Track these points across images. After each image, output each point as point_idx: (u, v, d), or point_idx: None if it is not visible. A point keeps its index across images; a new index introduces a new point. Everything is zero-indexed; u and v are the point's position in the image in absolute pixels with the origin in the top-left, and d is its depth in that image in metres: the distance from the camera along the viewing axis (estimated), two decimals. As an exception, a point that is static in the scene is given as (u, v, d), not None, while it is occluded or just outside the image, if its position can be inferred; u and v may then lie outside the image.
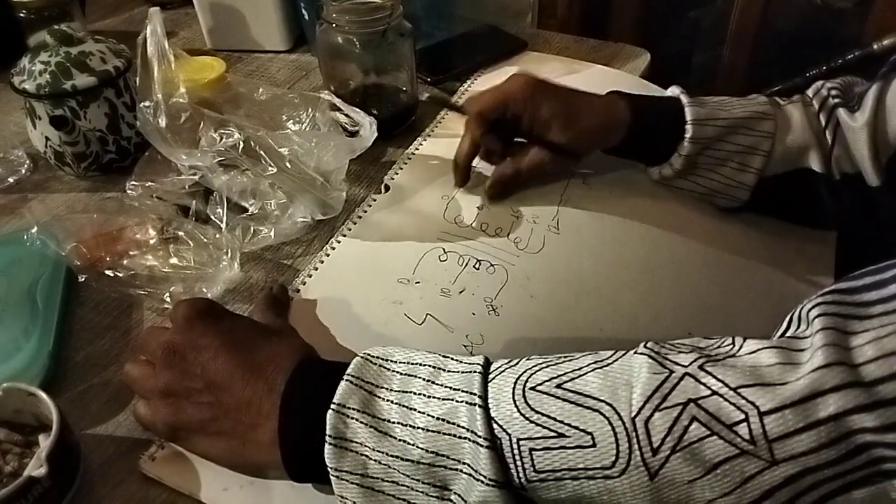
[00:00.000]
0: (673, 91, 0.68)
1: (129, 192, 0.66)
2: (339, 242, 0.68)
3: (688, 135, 0.64)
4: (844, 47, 1.03)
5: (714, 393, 0.37)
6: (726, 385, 0.37)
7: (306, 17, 0.98)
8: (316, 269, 0.65)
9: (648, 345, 0.41)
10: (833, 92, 0.64)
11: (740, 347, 0.39)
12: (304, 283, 0.63)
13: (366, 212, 0.71)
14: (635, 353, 0.41)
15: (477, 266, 0.64)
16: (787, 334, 0.40)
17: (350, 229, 0.69)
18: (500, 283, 0.62)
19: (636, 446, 0.37)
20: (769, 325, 0.43)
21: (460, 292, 0.62)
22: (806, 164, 0.64)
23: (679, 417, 0.37)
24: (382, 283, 0.63)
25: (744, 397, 0.36)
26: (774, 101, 0.66)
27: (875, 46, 0.97)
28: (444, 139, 0.82)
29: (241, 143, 0.63)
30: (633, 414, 0.38)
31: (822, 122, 0.63)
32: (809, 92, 0.67)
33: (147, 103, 0.63)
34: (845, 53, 1.01)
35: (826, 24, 1.19)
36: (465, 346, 0.57)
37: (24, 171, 0.78)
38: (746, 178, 0.65)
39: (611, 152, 0.70)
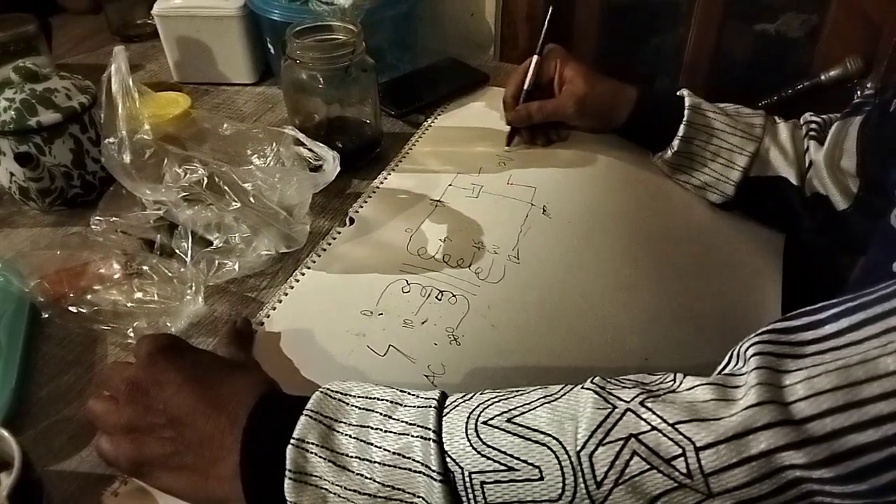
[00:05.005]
0: (681, 91, 0.78)
1: (93, 226, 0.67)
2: (303, 275, 0.69)
3: (684, 118, 0.74)
4: (797, 76, 1.06)
5: (653, 428, 0.38)
6: (664, 421, 0.38)
7: (272, 51, 1.00)
8: (280, 301, 0.66)
9: (595, 380, 0.43)
10: (812, 125, 0.73)
11: (680, 383, 0.41)
12: (269, 316, 0.64)
13: (330, 244, 0.72)
14: (582, 387, 0.43)
15: (439, 297, 0.65)
16: (726, 371, 0.42)
17: (314, 261, 0.70)
18: (462, 313, 0.64)
19: (581, 479, 0.39)
20: (718, 350, 0.45)
21: (422, 323, 0.63)
22: (783, 174, 0.72)
23: (621, 452, 0.38)
24: (346, 315, 0.64)
25: (681, 433, 0.38)
26: (770, 116, 0.75)
27: (822, 77, 1.01)
28: (410, 173, 0.84)
29: (206, 178, 0.64)
30: (579, 448, 0.39)
31: (805, 145, 0.72)
32: (801, 119, 0.75)
33: (112, 140, 0.64)
34: (796, 83, 1.05)
35: (779, 54, 1.22)
36: (426, 377, 0.58)
37: (-12, 205, 0.78)
38: (732, 174, 0.74)
39: (619, 133, 0.82)
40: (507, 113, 0.86)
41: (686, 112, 0.74)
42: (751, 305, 0.68)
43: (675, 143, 0.75)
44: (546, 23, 0.84)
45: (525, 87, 0.84)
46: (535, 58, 0.83)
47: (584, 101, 0.80)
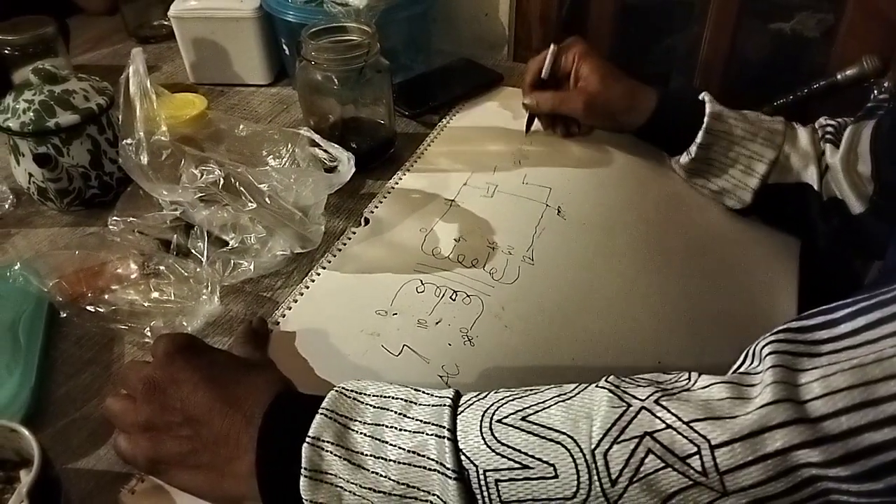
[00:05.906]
0: (702, 96, 0.76)
1: (111, 227, 0.67)
2: (318, 275, 0.69)
3: (704, 125, 0.73)
4: (812, 76, 1.06)
5: (668, 426, 0.38)
6: (679, 419, 0.38)
7: (287, 52, 1.00)
8: (295, 301, 0.66)
9: (609, 379, 0.43)
10: (828, 129, 0.72)
11: (695, 382, 0.41)
12: (284, 316, 0.65)
13: (345, 244, 0.73)
14: (597, 386, 0.43)
15: (453, 297, 0.66)
16: (741, 370, 0.42)
17: (329, 262, 0.71)
18: (476, 313, 0.64)
19: (596, 477, 0.39)
20: (732, 353, 0.45)
21: (437, 323, 0.63)
22: (806, 180, 0.71)
23: (636, 450, 0.38)
24: (360, 315, 0.64)
25: (696, 431, 0.38)
26: (790, 122, 0.74)
27: (839, 76, 1.00)
28: (425, 173, 0.84)
29: (222, 179, 0.64)
30: (593, 446, 0.39)
31: (821, 149, 0.71)
32: (816, 124, 0.74)
33: (129, 141, 0.64)
34: (811, 83, 1.04)
35: (794, 53, 1.22)
36: (440, 377, 0.58)
37: (7, 206, 0.78)
38: (751, 181, 0.73)
39: (639, 135, 0.81)
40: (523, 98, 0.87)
41: (706, 119, 0.73)
42: (766, 309, 0.68)
43: (693, 149, 0.74)
44: (564, 11, 0.83)
45: (541, 75, 0.83)
46: (552, 47, 0.83)
47: (594, 101, 0.79)
